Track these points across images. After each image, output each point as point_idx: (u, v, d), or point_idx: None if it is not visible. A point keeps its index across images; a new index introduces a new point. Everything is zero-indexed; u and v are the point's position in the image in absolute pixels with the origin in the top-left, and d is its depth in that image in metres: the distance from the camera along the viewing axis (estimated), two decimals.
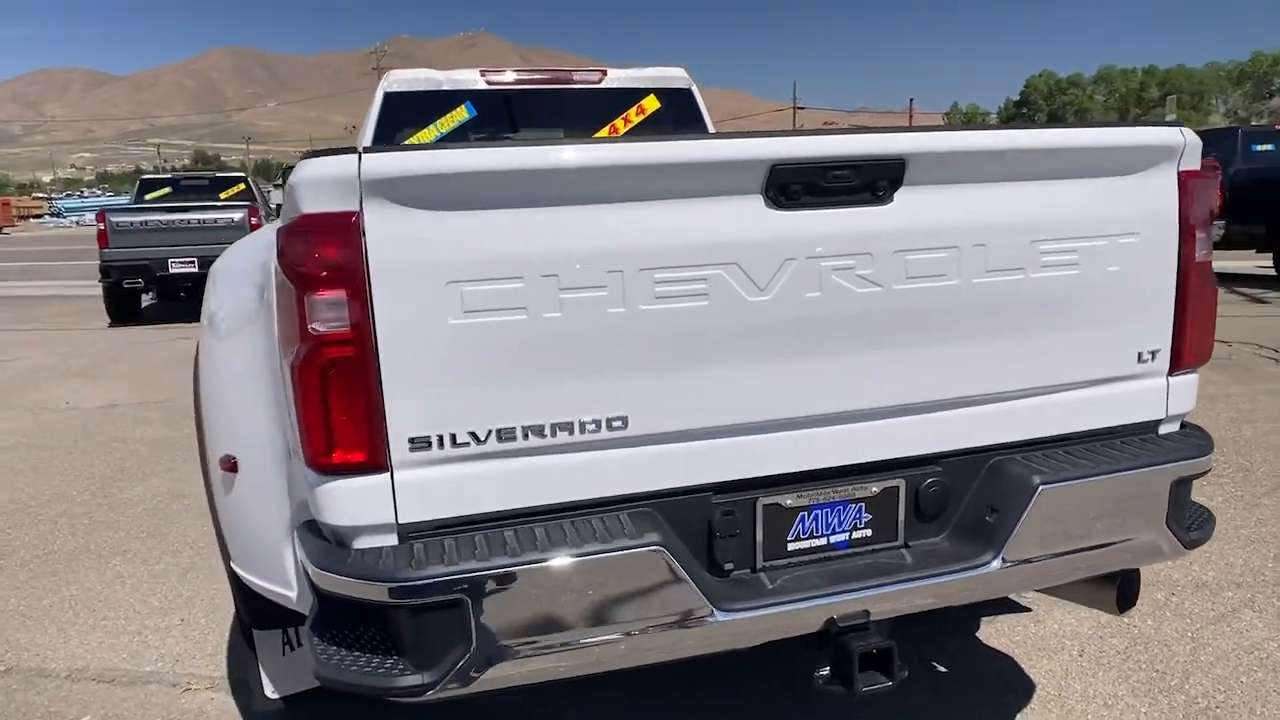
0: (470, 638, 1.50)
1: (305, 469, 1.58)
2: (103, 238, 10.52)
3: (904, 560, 1.79)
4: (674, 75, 4.27)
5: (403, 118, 3.94)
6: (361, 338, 1.48)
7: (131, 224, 10.67)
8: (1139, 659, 2.72)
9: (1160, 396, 1.95)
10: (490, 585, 1.49)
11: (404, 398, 1.51)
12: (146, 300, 11.88)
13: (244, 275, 2.14)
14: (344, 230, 1.45)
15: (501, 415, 1.55)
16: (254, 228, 9.77)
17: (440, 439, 1.54)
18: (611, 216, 1.55)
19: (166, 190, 13.19)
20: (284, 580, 1.85)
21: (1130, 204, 1.82)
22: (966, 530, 1.83)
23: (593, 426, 1.59)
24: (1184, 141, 1.83)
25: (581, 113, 4.19)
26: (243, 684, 2.79)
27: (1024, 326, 1.80)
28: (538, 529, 1.57)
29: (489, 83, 3.99)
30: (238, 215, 10.85)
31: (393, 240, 1.46)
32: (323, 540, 1.61)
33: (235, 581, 2.09)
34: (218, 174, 14.98)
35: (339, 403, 1.50)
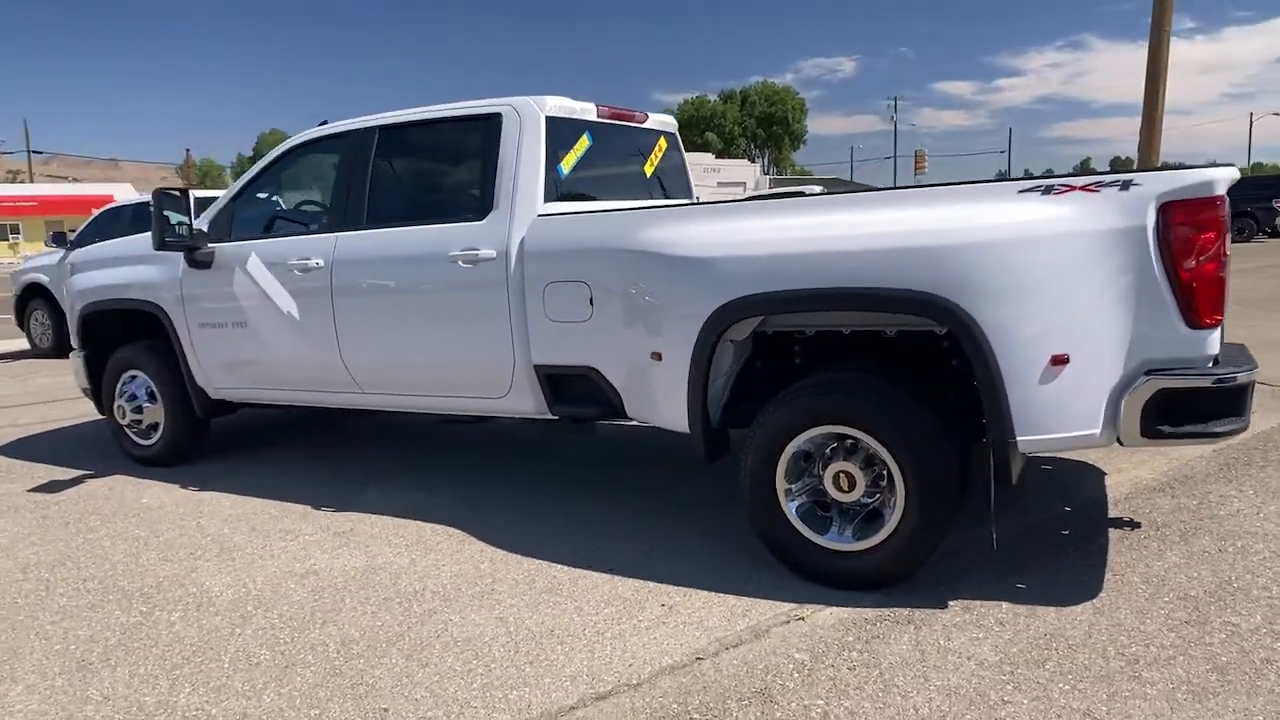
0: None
1: (1185, 334, 2.91)
2: None
3: None
4: (670, 122, 5.38)
5: (558, 139, 4.25)
6: (1224, 255, 2.97)
7: None
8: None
9: None
10: None
11: None
12: None
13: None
14: (1225, 204, 2.89)
15: None
16: None
17: None
18: None
19: None
20: (1091, 423, 2.97)
21: None
22: None
23: None
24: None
25: (638, 147, 5.02)
26: (836, 597, 3.17)
27: None
28: None
29: (598, 115, 4.56)
30: None
31: None
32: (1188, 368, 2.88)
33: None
34: None
35: (1218, 293, 2.90)
